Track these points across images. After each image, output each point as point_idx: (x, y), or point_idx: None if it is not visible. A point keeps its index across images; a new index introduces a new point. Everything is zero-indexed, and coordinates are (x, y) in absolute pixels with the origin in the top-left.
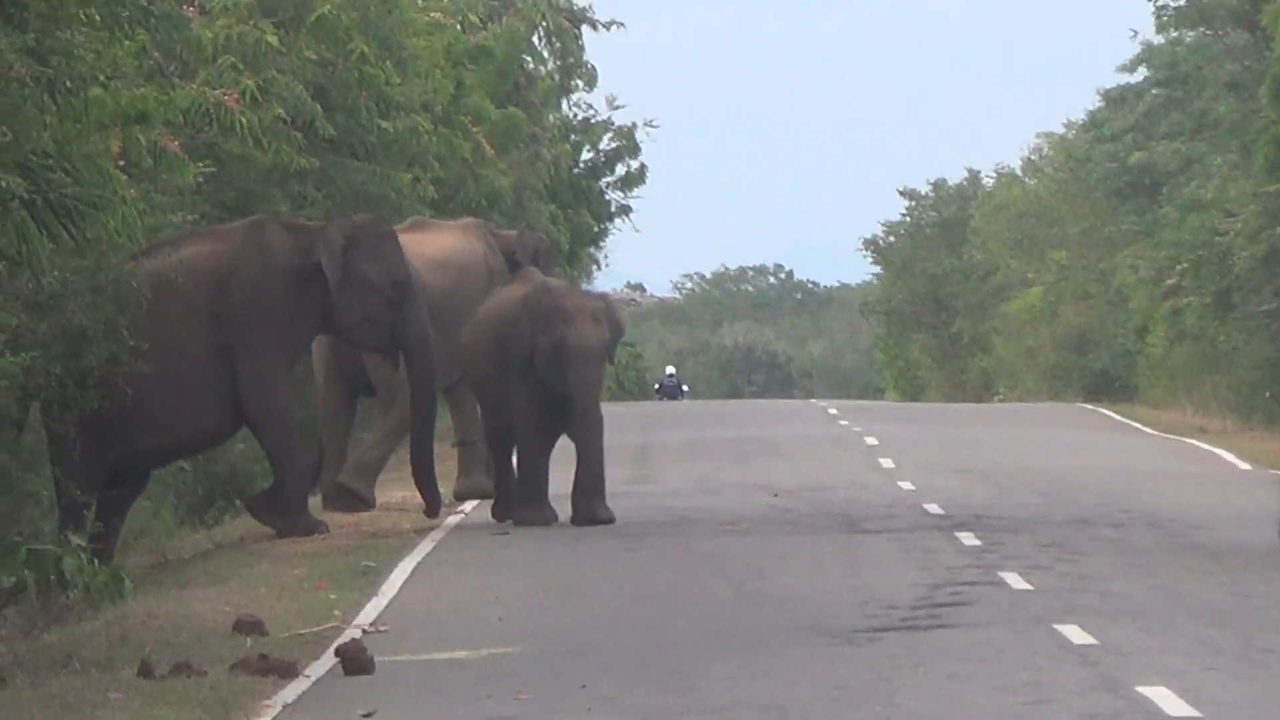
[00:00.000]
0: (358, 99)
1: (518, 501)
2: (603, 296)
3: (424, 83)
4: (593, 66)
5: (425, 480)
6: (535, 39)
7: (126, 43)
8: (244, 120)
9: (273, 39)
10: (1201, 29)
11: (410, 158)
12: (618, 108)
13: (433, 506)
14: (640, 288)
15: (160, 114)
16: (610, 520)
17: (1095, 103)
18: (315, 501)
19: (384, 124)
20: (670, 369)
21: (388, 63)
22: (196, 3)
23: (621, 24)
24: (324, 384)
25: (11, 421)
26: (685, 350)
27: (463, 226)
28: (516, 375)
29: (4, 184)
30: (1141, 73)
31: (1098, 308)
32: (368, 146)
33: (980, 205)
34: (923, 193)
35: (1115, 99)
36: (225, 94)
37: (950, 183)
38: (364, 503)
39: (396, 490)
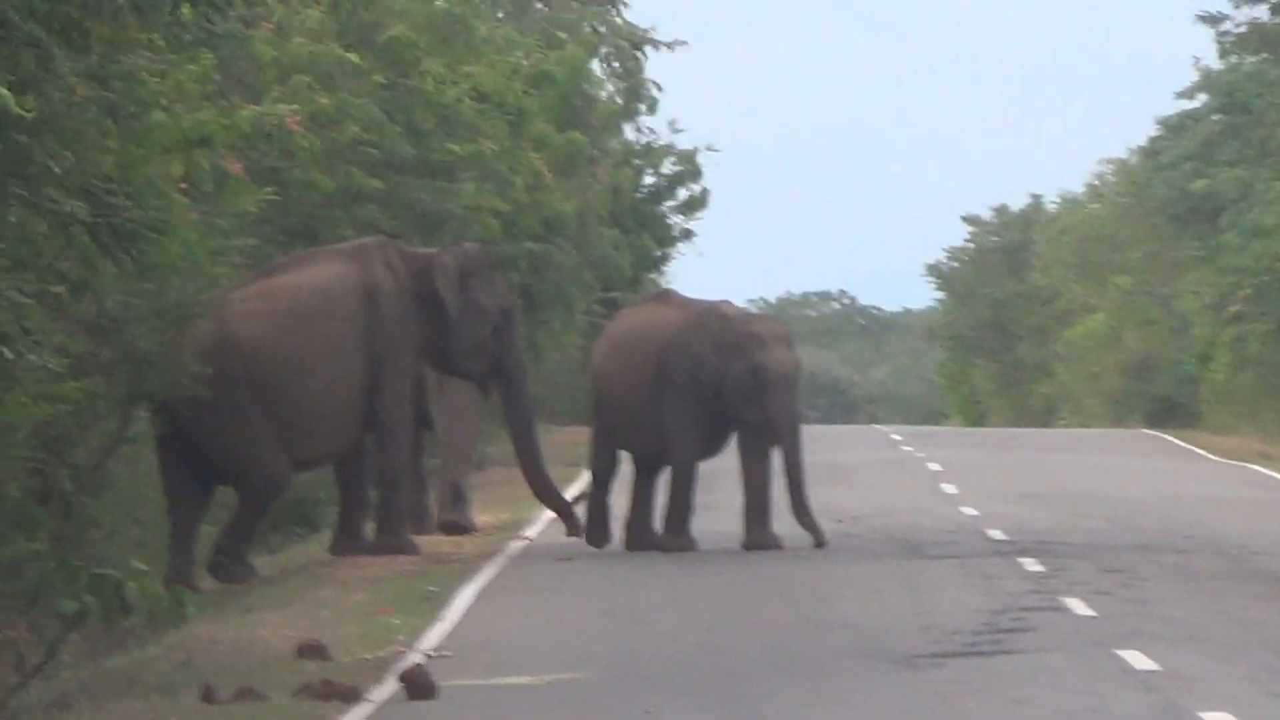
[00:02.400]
0: (425, 120)
1: (671, 527)
2: (781, 320)
3: (492, 110)
4: (656, 89)
5: (554, 500)
6: (595, 63)
7: (190, 67)
8: (305, 144)
9: (355, 58)
10: (1264, 55)
11: (478, 179)
12: (679, 131)
13: (573, 524)
14: None
15: (223, 137)
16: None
17: (1154, 130)
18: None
19: (454, 147)
20: None
21: (459, 83)
22: (274, 21)
23: (685, 43)
24: None
25: (71, 446)
26: None
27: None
28: (679, 401)
29: (66, 208)
30: (1200, 99)
31: (1160, 333)
32: (433, 168)
33: (1043, 230)
34: (985, 218)
35: (1174, 126)
36: (289, 116)
37: (1013, 208)
38: (468, 529)
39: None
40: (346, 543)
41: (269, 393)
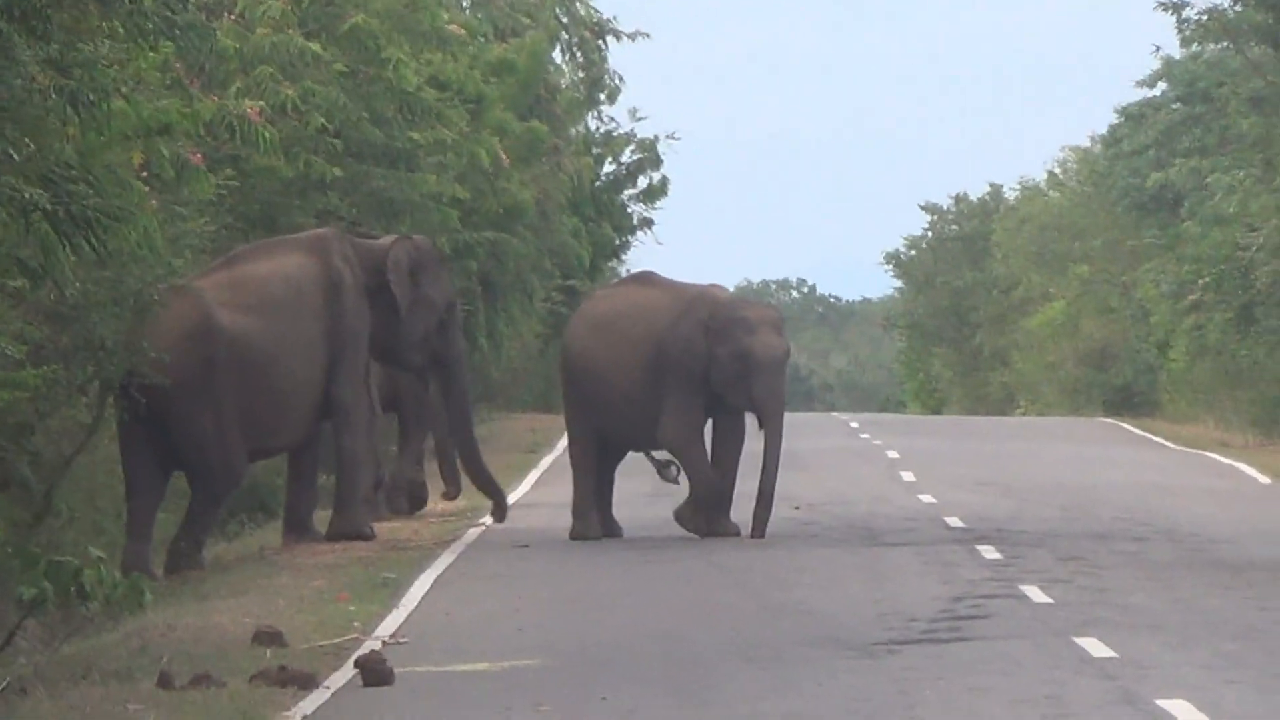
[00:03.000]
0: (386, 108)
1: (710, 513)
2: (773, 305)
3: (452, 97)
4: (617, 78)
5: (486, 483)
6: (558, 52)
7: (150, 54)
8: (266, 135)
9: (316, 48)
10: (1225, 44)
11: (437, 167)
12: (640, 120)
13: (501, 512)
14: None
15: (183, 126)
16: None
17: (1115, 118)
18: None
19: (414, 135)
20: None
21: (420, 72)
22: (236, 11)
23: (647, 34)
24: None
25: (31, 433)
26: None
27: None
28: (678, 387)
29: (26, 196)
30: (1161, 87)
31: (1119, 322)
32: (392, 155)
33: (1002, 219)
34: (944, 207)
35: (1135, 115)
36: (249, 107)
37: (972, 197)
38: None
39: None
40: (295, 532)
41: (249, 379)
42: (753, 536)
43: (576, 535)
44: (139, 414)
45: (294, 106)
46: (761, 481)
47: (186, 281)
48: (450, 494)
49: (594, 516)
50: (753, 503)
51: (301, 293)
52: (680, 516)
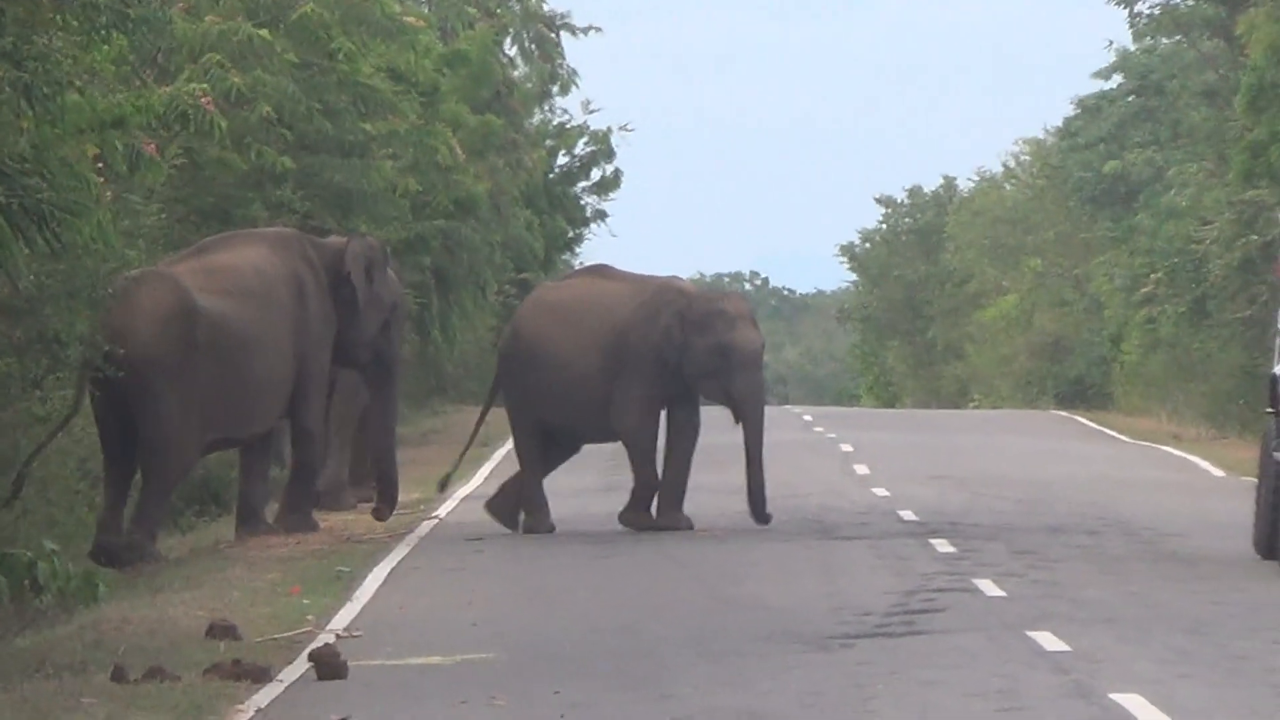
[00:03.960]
0: (338, 99)
1: (665, 506)
2: (745, 297)
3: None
4: (572, 71)
5: (390, 484)
6: (511, 44)
7: (104, 47)
8: (220, 124)
9: (265, 34)
10: (1177, 37)
11: (391, 159)
12: (593, 112)
13: (385, 508)
14: None
15: (137, 119)
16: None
17: (1071, 110)
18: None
19: (366, 125)
20: None
21: (371, 57)
22: (186, 1)
23: (599, 29)
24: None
25: None
26: None
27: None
28: (641, 378)
29: None
30: (1116, 80)
31: (1073, 315)
32: (346, 148)
33: (956, 212)
34: (899, 200)
35: (1090, 107)
36: (201, 96)
37: (926, 190)
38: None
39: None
40: (249, 525)
41: (225, 364)
42: (761, 524)
43: (529, 529)
44: (109, 401)
45: (240, 94)
46: (750, 476)
47: (162, 267)
48: (382, 513)
49: (546, 509)
50: (710, 495)
51: (271, 285)
52: (625, 518)
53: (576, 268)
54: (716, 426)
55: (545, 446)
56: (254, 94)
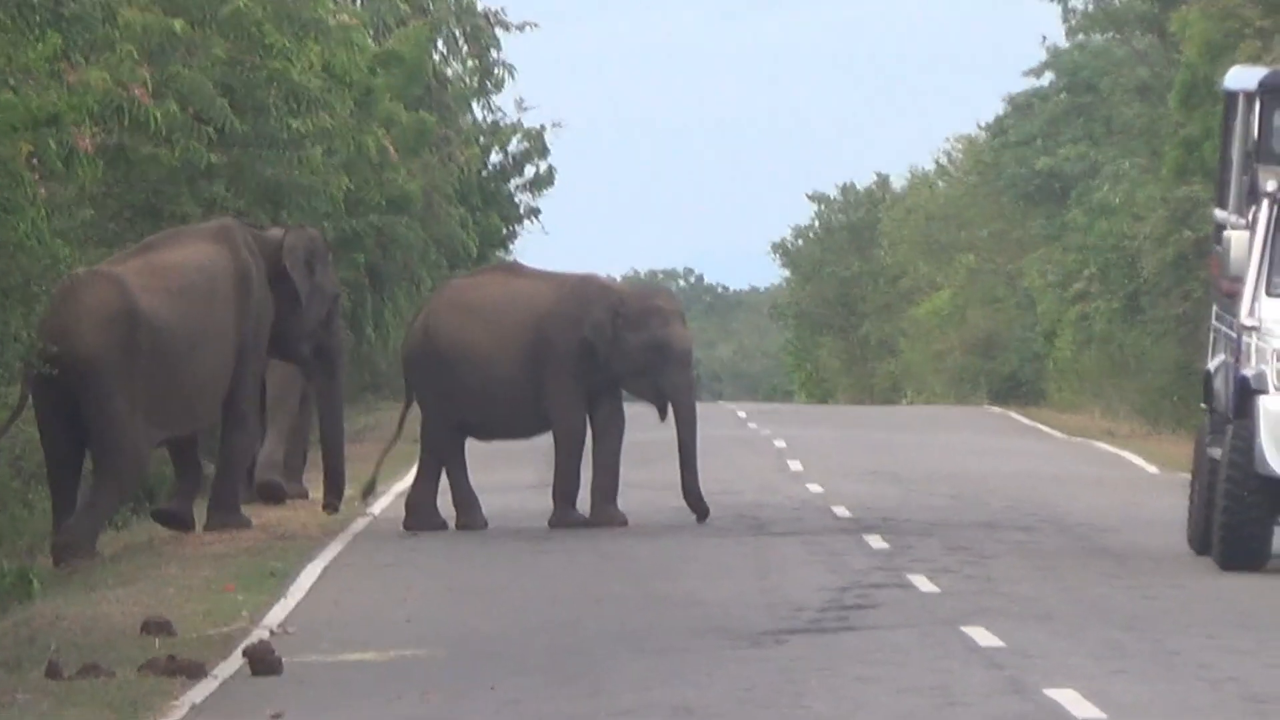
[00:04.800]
0: (266, 96)
1: (598, 502)
2: (674, 295)
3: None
4: (509, 67)
5: (338, 476)
6: (444, 42)
7: (38, 46)
8: (155, 115)
9: (178, 26)
10: (1111, 34)
11: (318, 148)
12: (526, 109)
13: (335, 502)
14: None
15: (71, 116)
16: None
17: (1002, 108)
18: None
19: (294, 122)
20: None
21: (304, 54)
22: None
23: (535, 25)
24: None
25: None
26: None
27: (214, 233)
28: (565, 374)
29: None
30: (1048, 77)
31: (1006, 311)
32: (279, 145)
33: (889, 209)
34: (831, 197)
35: (1021, 105)
36: (138, 88)
37: (859, 187)
38: (287, 495)
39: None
40: (180, 519)
41: (168, 367)
42: (699, 521)
43: (464, 526)
44: (54, 403)
45: (157, 91)
46: (684, 474)
47: (105, 265)
48: (331, 505)
49: (478, 505)
50: (641, 492)
51: (215, 282)
52: (554, 521)
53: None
54: (642, 423)
55: (462, 444)
56: (166, 90)
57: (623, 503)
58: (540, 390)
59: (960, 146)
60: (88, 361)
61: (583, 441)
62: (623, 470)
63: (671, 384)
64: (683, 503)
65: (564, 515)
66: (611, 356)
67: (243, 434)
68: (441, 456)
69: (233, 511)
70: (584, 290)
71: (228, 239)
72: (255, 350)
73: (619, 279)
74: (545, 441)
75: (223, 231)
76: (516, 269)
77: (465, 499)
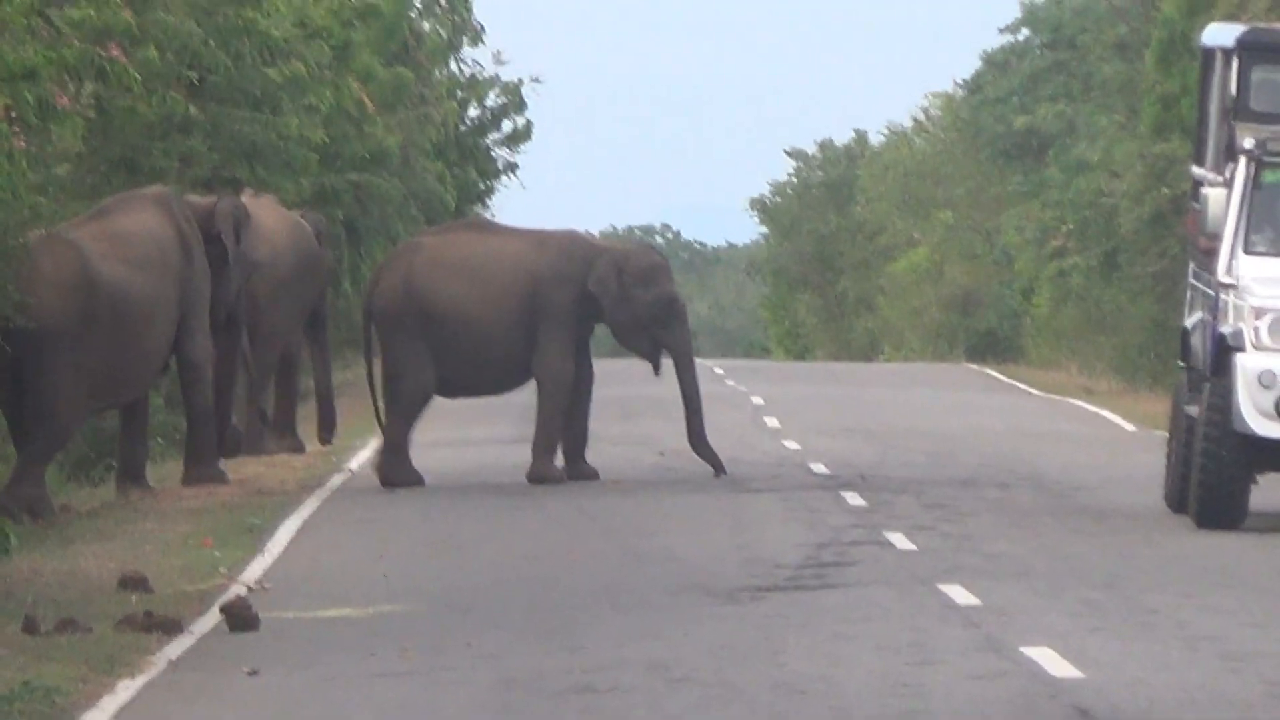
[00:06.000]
0: (241, 46)
1: (571, 457)
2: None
3: (313, 40)
4: (480, 25)
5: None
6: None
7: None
8: (136, 77)
9: None
10: None
11: (296, 102)
12: (503, 64)
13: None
14: None
15: (48, 71)
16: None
17: (978, 64)
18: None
19: (269, 71)
20: None
21: (276, 4)
22: None
23: None
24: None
25: None
26: None
27: (155, 200)
28: (560, 329)
29: None
30: (1024, 34)
31: (983, 268)
32: (252, 97)
33: (867, 165)
34: (810, 153)
35: (998, 62)
36: (111, 45)
37: (837, 143)
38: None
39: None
40: (131, 482)
41: (122, 335)
42: (716, 476)
43: (393, 482)
44: (15, 348)
45: (134, 37)
46: (691, 429)
47: (63, 230)
48: (324, 438)
49: (409, 461)
50: (617, 448)
51: (164, 250)
52: (532, 474)
53: (449, 223)
54: (619, 379)
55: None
56: (146, 35)
57: (599, 458)
58: (530, 347)
59: (938, 103)
60: (42, 329)
61: (569, 395)
62: (601, 425)
63: (675, 339)
64: (662, 459)
65: (543, 469)
66: (617, 311)
67: (204, 387)
68: (405, 411)
69: (209, 465)
70: (574, 247)
71: (168, 206)
72: (201, 314)
73: (597, 235)
74: (519, 398)
75: (162, 198)
76: (487, 225)
77: (402, 450)
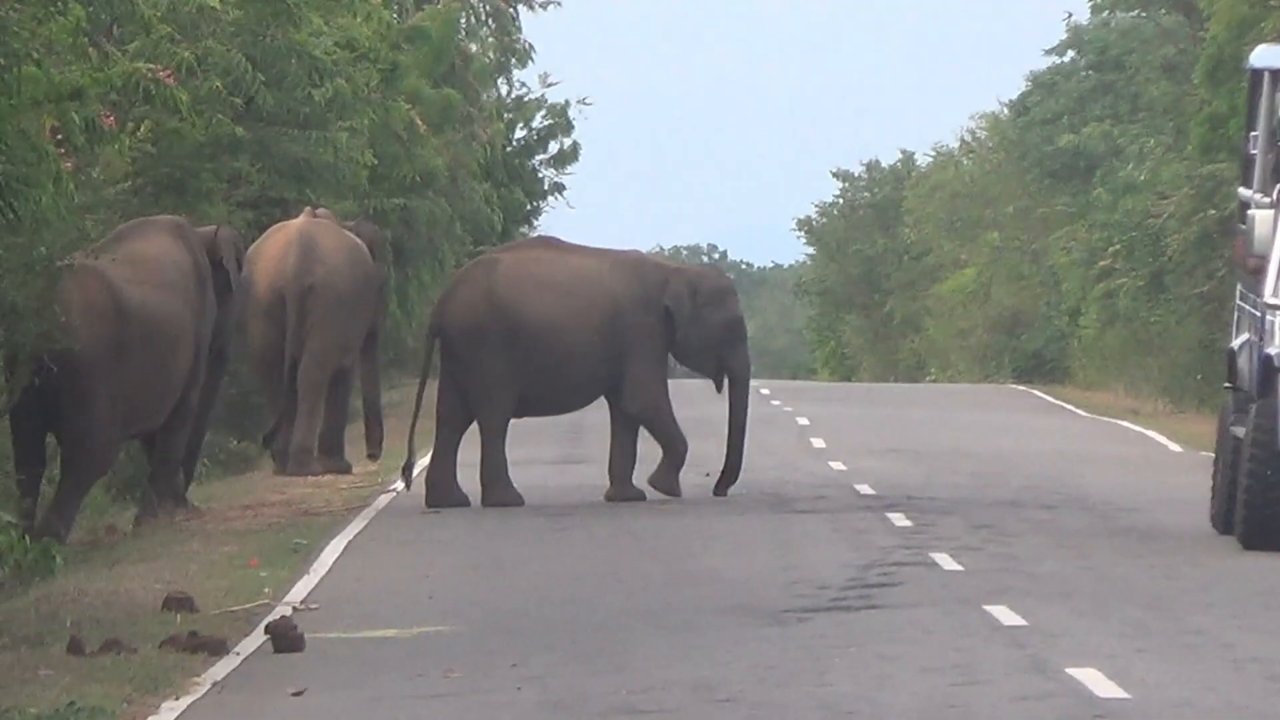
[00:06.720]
0: (288, 67)
1: (616, 479)
2: None
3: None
4: (528, 45)
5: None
6: (471, 19)
7: (61, 19)
8: (183, 99)
9: (216, 3)
10: (1137, 11)
11: (343, 118)
12: (551, 85)
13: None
14: None
15: (95, 90)
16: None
17: (1023, 86)
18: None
19: (316, 92)
20: None
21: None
22: None
23: (558, 3)
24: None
25: None
26: None
27: (170, 229)
28: (651, 352)
29: None
30: (1070, 55)
31: (1030, 289)
32: (300, 118)
33: (914, 186)
34: (856, 174)
35: (1045, 83)
36: (162, 69)
37: (884, 164)
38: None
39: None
40: (156, 508)
41: (151, 361)
42: (717, 495)
43: (497, 501)
44: (48, 383)
45: (190, 69)
46: (733, 447)
47: (84, 258)
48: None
49: (510, 481)
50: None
51: (184, 276)
52: (657, 482)
53: (519, 240)
54: (684, 400)
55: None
56: (204, 66)
57: (645, 479)
58: (607, 366)
59: (984, 124)
60: (76, 359)
61: (672, 414)
62: (646, 446)
63: (740, 361)
64: (708, 479)
65: (669, 482)
66: (690, 332)
67: (187, 421)
68: (497, 428)
69: (178, 504)
70: (646, 268)
71: (181, 235)
72: (209, 342)
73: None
74: (563, 418)
75: (175, 227)
76: (558, 243)
77: (503, 475)
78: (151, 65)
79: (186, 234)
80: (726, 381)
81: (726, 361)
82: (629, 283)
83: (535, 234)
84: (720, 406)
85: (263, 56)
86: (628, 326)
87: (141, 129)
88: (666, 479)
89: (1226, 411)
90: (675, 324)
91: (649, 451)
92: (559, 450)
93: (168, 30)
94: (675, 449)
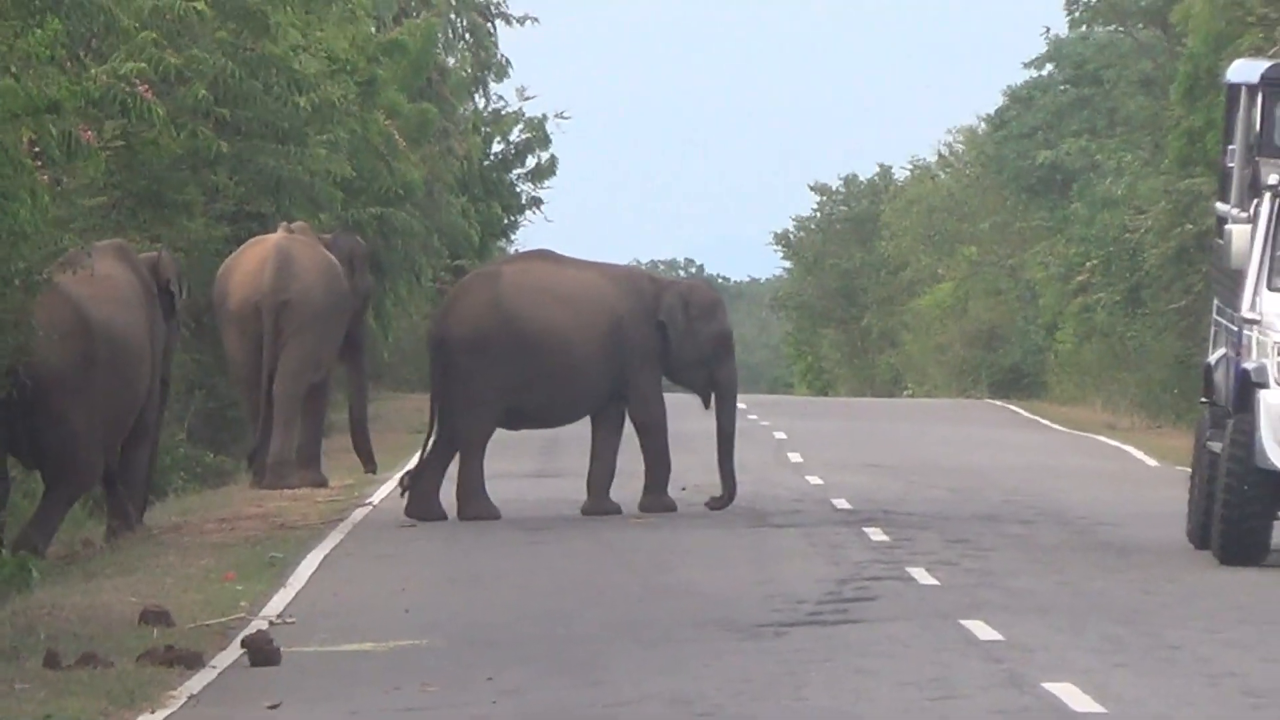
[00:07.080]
0: (270, 77)
1: (594, 491)
2: None
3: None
4: (505, 60)
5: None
6: (449, 33)
7: (38, 32)
8: (159, 111)
9: (202, 7)
10: (1115, 26)
11: (323, 130)
12: (528, 99)
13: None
14: None
15: (72, 103)
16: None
17: (1001, 100)
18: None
19: (299, 100)
20: None
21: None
22: None
23: (535, 19)
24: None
25: None
26: None
27: (116, 252)
28: (650, 365)
29: None
30: (1048, 69)
31: (1008, 304)
32: (280, 132)
33: (891, 200)
34: (834, 188)
35: (1022, 97)
36: (139, 82)
37: (861, 178)
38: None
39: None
40: (122, 524)
41: (122, 375)
42: (723, 502)
43: (474, 515)
44: (23, 397)
45: (178, 74)
46: (724, 458)
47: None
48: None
49: (487, 495)
50: (637, 482)
51: (139, 295)
52: (650, 506)
53: (514, 251)
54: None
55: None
56: (190, 73)
57: (621, 493)
58: (606, 380)
59: (962, 138)
60: (45, 378)
61: (666, 431)
62: (628, 460)
63: (728, 375)
64: (683, 494)
65: (658, 502)
66: (682, 345)
67: (147, 441)
68: (476, 442)
69: (126, 521)
70: (640, 282)
71: (128, 258)
72: (160, 366)
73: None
74: (541, 433)
75: (121, 250)
76: (556, 256)
77: (479, 489)
78: (129, 77)
79: (131, 256)
80: (713, 396)
81: (715, 375)
82: (627, 296)
83: (513, 248)
84: (691, 421)
85: (244, 68)
86: (628, 340)
87: (108, 134)
88: (659, 500)
89: (1203, 426)
90: (669, 338)
91: (626, 465)
92: (535, 463)
93: (153, 36)
94: (662, 467)
